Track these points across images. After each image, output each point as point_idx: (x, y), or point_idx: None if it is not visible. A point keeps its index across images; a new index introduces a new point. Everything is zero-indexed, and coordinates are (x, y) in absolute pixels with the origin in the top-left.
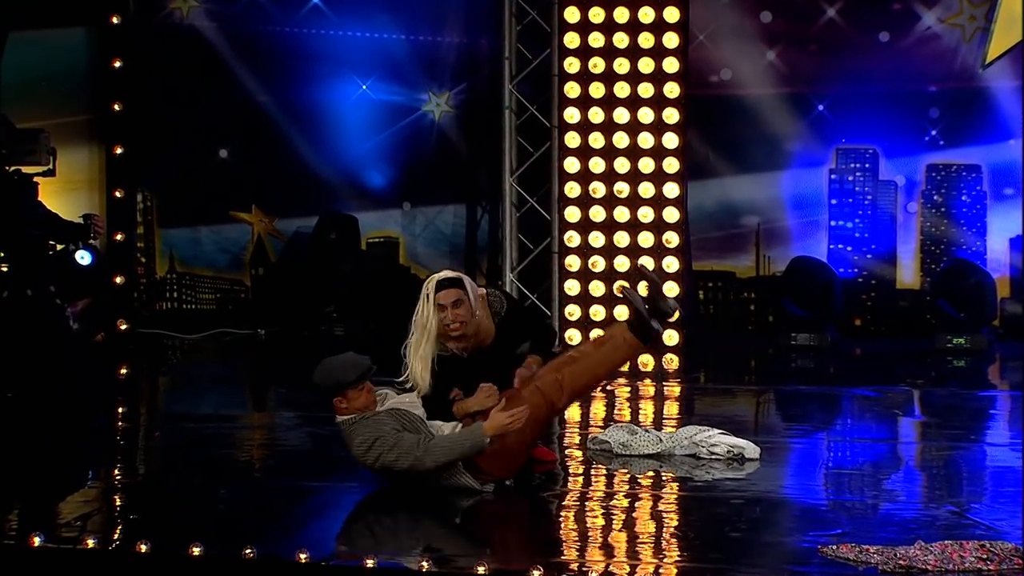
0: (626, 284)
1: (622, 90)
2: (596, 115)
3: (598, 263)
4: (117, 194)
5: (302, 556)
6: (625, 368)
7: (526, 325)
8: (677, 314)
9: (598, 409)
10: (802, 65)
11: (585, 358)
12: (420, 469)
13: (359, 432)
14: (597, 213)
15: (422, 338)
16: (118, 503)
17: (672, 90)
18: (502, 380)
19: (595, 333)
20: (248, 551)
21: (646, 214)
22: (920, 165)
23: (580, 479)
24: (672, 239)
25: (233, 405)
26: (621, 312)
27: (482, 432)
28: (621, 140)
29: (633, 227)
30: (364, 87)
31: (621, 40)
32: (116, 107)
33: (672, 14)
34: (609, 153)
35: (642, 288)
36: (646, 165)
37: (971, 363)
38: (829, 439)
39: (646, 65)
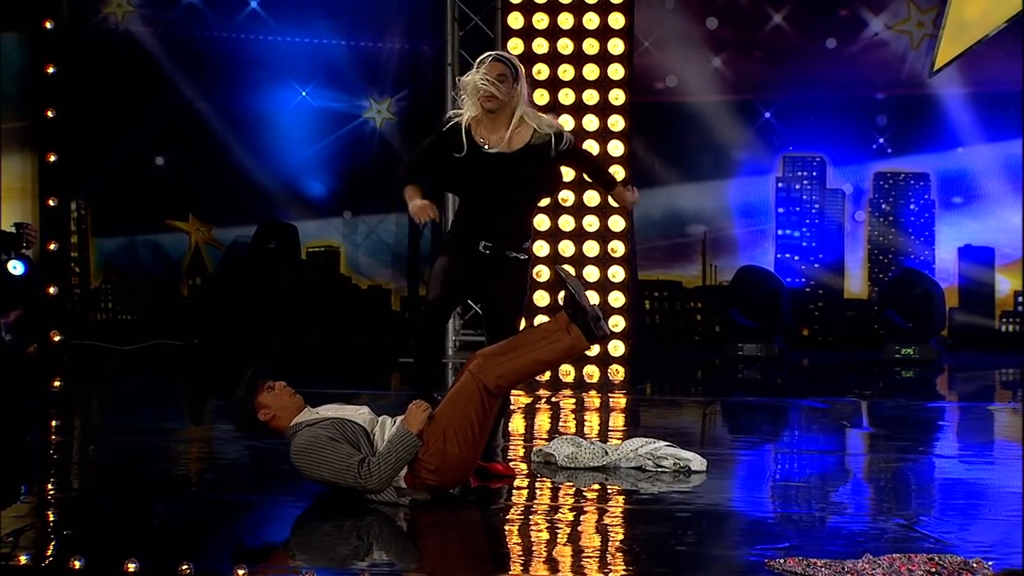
0: (568, 274)
1: (567, 97)
2: None
3: (542, 272)
4: (50, 203)
5: (240, 572)
6: (570, 379)
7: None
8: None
9: (543, 421)
10: (748, 72)
11: (525, 346)
12: (368, 488)
13: (298, 440)
14: (541, 222)
15: (466, 100)
16: (51, 518)
17: (617, 97)
18: (510, 184)
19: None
20: (185, 567)
21: (591, 223)
22: (868, 173)
23: (525, 492)
24: (618, 248)
25: (169, 418)
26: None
27: (407, 431)
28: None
29: (578, 236)
30: (304, 94)
31: (565, 46)
32: (49, 114)
33: (617, 20)
34: None
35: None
36: None
37: (919, 374)
38: (776, 451)
39: (591, 72)
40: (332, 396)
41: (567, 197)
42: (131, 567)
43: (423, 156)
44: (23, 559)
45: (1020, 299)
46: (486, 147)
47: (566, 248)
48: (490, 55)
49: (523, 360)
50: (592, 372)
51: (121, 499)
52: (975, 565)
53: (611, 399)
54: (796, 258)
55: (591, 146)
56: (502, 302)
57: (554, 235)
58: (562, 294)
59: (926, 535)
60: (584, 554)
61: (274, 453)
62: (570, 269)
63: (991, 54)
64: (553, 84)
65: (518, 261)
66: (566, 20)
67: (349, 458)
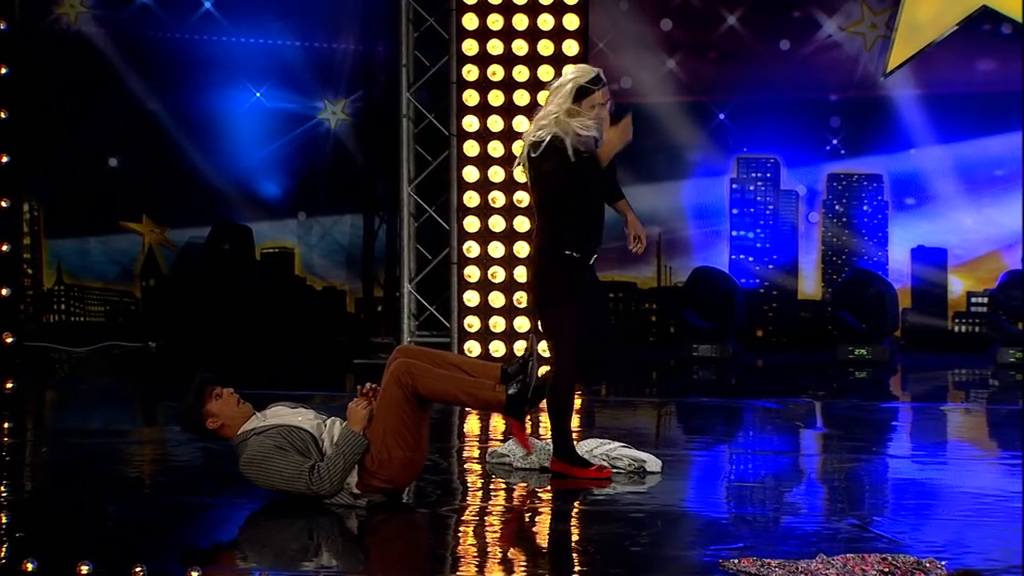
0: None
1: (521, 98)
2: (495, 123)
3: (497, 274)
4: (3, 204)
5: (193, 573)
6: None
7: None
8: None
9: (498, 422)
10: (702, 73)
11: (457, 379)
12: (322, 493)
13: (246, 450)
14: (496, 223)
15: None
16: (4, 520)
17: None
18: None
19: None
20: (138, 569)
21: None
22: (821, 175)
23: (479, 493)
24: None
25: (123, 420)
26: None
27: (351, 431)
28: (520, 149)
29: (533, 237)
30: (258, 95)
31: (520, 47)
32: (2, 114)
33: (572, 21)
34: (509, 162)
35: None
36: None
37: (873, 374)
38: (731, 452)
39: (546, 73)
40: (286, 398)
41: (522, 199)
42: (84, 569)
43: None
44: None
45: (972, 300)
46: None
47: (521, 249)
48: (600, 76)
49: (451, 387)
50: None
51: (74, 501)
52: (928, 565)
53: None
54: (750, 259)
55: None
56: (598, 309)
57: (509, 236)
58: (522, 351)
59: (879, 535)
60: (538, 555)
61: (226, 455)
62: (525, 271)
63: (944, 56)
64: (508, 85)
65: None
66: (521, 21)
67: (299, 466)
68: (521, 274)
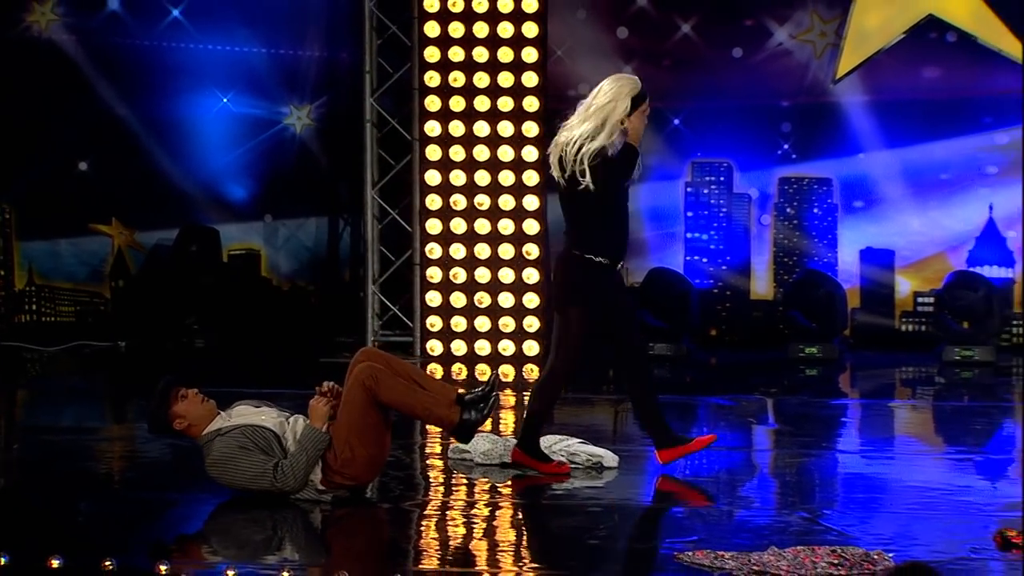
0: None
1: (482, 104)
2: (457, 128)
3: (459, 275)
4: None
5: (161, 568)
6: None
7: None
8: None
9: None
10: (657, 80)
11: (420, 392)
12: (287, 490)
13: (211, 451)
14: (458, 225)
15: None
16: None
17: (531, 104)
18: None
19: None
20: (107, 562)
21: (507, 226)
22: (773, 178)
23: (441, 488)
24: (532, 251)
25: (93, 418)
26: (483, 322)
27: (313, 428)
28: (481, 153)
29: (494, 239)
30: (225, 100)
31: (481, 54)
32: None
33: (531, 29)
34: (470, 166)
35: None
36: (506, 178)
37: (823, 372)
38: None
39: (506, 79)
40: (253, 396)
41: (483, 202)
42: (55, 563)
43: None
44: None
45: (919, 300)
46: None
47: (482, 251)
48: (639, 86)
49: (409, 400)
50: (508, 371)
51: (45, 497)
52: (876, 557)
53: (526, 397)
54: (704, 260)
55: (506, 152)
56: (629, 313)
57: (470, 238)
58: (489, 377)
59: (829, 528)
60: (499, 548)
61: (193, 452)
62: (486, 272)
63: (891, 63)
64: (469, 91)
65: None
66: (481, 29)
67: (263, 465)
68: (483, 275)
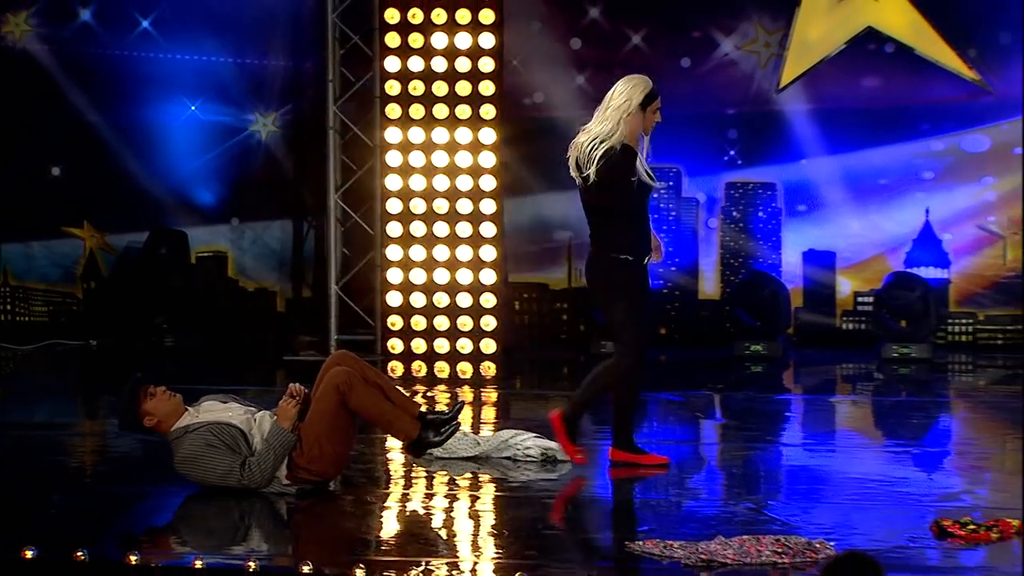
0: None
1: (441, 112)
2: (416, 135)
3: (419, 276)
4: None
5: (132, 558)
6: (445, 375)
7: None
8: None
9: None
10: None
11: (389, 405)
12: (253, 486)
13: (180, 448)
14: (418, 228)
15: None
16: None
17: (488, 112)
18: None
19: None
20: (79, 553)
21: (464, 229)
22: (720, 183)
23: (401, 481)
24: (489, 253)
25: (65, 414)
26: (441, 322)
27: (281, 428)
28: (440, 159)
29: (452, 242)
30: (193, 108)
31: (439, 64)
32: None
33: (487, 40)
34: (429, 171)
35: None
36: (464, 183)
37: (767, 369)
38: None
39: (463, 88)
40: (220, 391)
41: (441, 206)
42: (28, 554)
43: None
44: None
45: (859, 299)
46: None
47: (441, 253)
48: (651, 86)
49: (375, 411)
50: (466, 368)
51: (18, 490)
52: (818, 545)
53: (483, 393)
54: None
55: (464, 158)
56: (649, 311)
57: (429, 240)
58: (455, 405)
59: (773, 518)
60: (457, 538)
61: (162, 446)
62: (445, 274)
63: (832, 73)
64: (428, 99)
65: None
66: (440, 40)
67: (231, 462)
68: (442, 276)
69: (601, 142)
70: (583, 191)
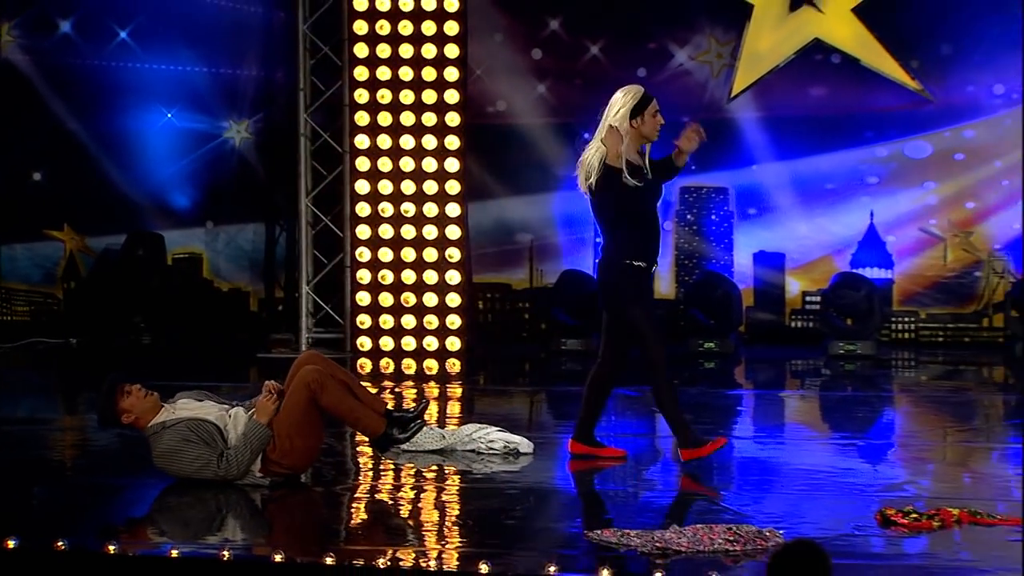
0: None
1: (408, 119)
2: (384, 142)
3: (387, 276)
4: None
5: (110, 548)
6: (412, 371)
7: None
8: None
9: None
10: (569, 97)
11: (358, 401)
12: (229, 478)
13: (157, 443)
14: (385, 231)
15: (629, 136)
16: None
17: (453, 119)
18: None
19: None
20: (60, 543)
21: (430, 232)
22: (675, 187)
23: (370, 473)
24: (454, 254)
25: (46, 409)
26: (408, 320)
27: (258, 424)
28: (407, 164)
29: (419, 244)
30: (169, 115)
31: (406, 74)
32: None
33: (452, 51)
34: (396, 176)
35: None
36: (430, 187)
37: (720, 365)
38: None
39: (429, 96)
40: (196, 388)
41: (408, 209)
42: (10, 544)
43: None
44: None
45: (807, 299)
46: (647, 174)
47: (408, 254)
48: (641, 92)
49: (343, 409)
50: (431, 365)
51: (0, 483)
52: (768, 534)
53: (448, 389)
54: None
55: (430, 163)
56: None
57: (397, 243)
58: (420, 404)
59: (725, 508)
60: (423, 528)
61: (140, 440)
62: (411, 274)
63: (781, 82)
64: (395, 107)
65: None
66: (407, 51)
67: (207, 456)
68: (408, 277)
69: (595, 153)
70: (590, 203)
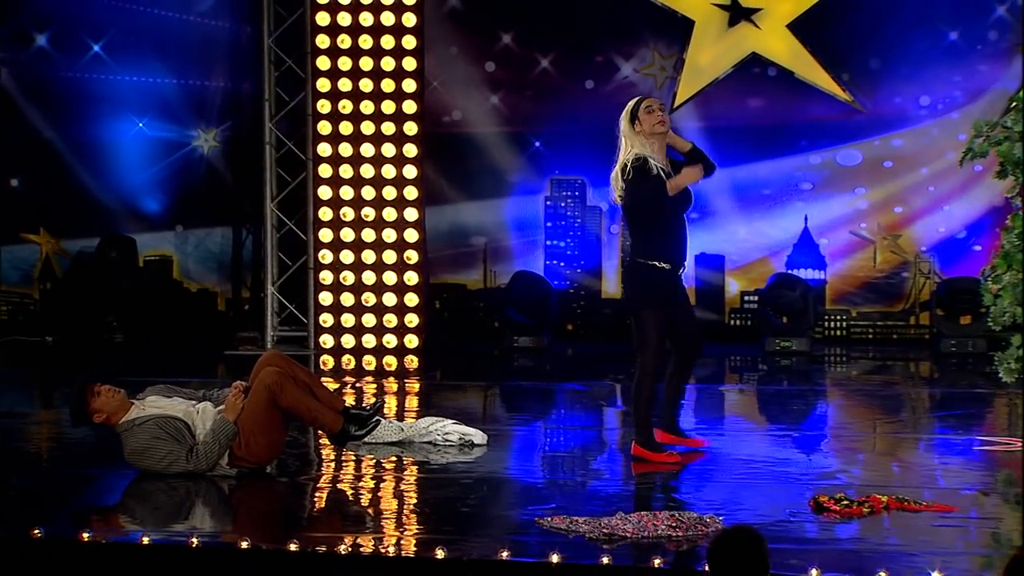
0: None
1: (368, 128)
2: (345, 149)
3: (348, 277)
4: None
5: (84, 535)
6: (372, 367)
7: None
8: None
9: (348, 403)
10: (521, 108)
11: (316, 400)
12: (199, 471)
13: (128, 441)
14: (347, 234)
15: (636, 141)
16: None
17: (411, 128)
18: (684, 204)
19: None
20: (36, 531)
21: (389, 235)
22: None
23: (332, 464)
24: (412, 256)
25: (23, 404)
26: (369, 319)
27: (226, 421)
28: (367, 171)
29: (378, 246)
30: (140, 125)
31: (366, 85)
32: None
33: (410, 63)
34: (357, 183)
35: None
36: (389, 193)
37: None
38: (545, 427)
39: (388, 107)
40: (163, 383)
41: (368, 214)
42: None
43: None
44: None
45: (745, 298)
46: (664, 173)
47: (368, 257)
48: (640, 97)
49: (302, 409)
50: (391, 361)
51: None
52: (708, 520)
53: (407, 384)
54: (562, 264)
55: (389, 170)
56: (690, 310)
57: (358, 245)
58: (375, 403)
59: (668, 496)
60: (383, 516)
61: (112, 434)
62: (372, 275)
63: (721, 94)
64: (356, 117)
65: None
66: (367, 63)
67: (176, 452)
68: (369, 278)
69: (617, 166)
70: (621, 215)
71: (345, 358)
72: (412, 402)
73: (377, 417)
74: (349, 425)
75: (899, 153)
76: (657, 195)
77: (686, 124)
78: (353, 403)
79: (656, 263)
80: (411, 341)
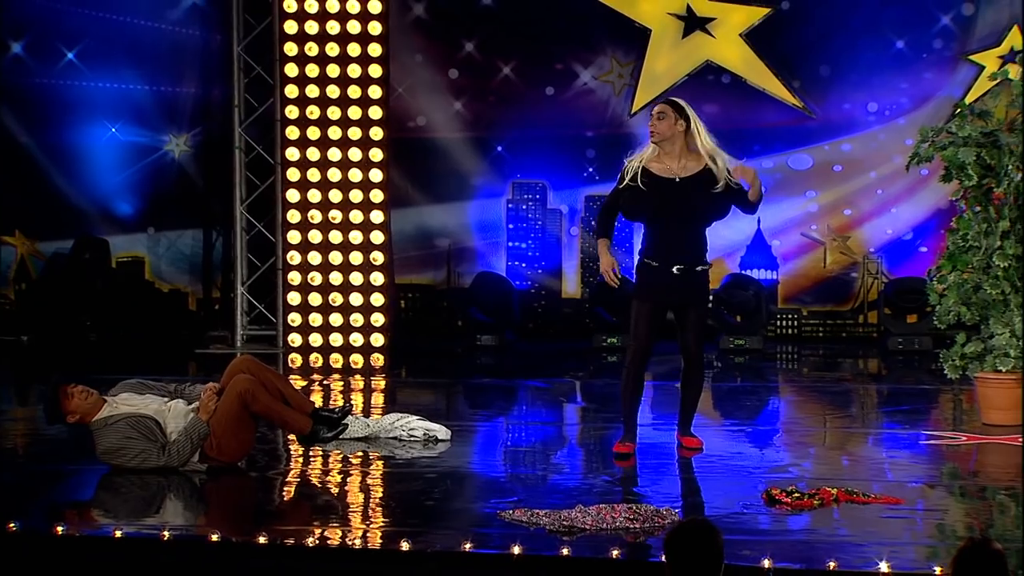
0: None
1: (335, 133)
2: (313, 154)
3: (316, 278)
4: None
5: (58, 529)
6: (339, 365)
7: (738, 197)
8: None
9: (316, 400)
10: (483, 113)
11: (285, 405)
12: (171, 467)
13: (101, 439)
14: (315, 236)
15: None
16: None
17: (377, 133)
18: (682, 205)
19: (317, 356)
20: (12, 525)
21: (356, 237)
22: (580, 196)
23: (300, 459)
24: (378, 257)
25: None
26: (336, 319)
27: (199, 420)
28: (334, 175)
29: (345, 248)
30: (113, 130)
31: (333, 91)
32: None
33: (375, 70)
34: (324, 186)
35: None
36: (356, 196)
37: (622, 359)
38: (508, 422)
39: (355, 113)
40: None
41: (336, 216)
42: None
43: (609, 206)
44: None
45: None
46: (662, 175)
47: (336, 257)
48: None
49: (273, 414)
50: (357, 359)
51: None
52: (665, 512)
53: (373, 381)
54: (523, 265)
55: (355, 174)
56: (699, 309)
57: (325, 247)
58: (343, 405)
59: (627, 489)
60: (350, 509)
61: (86, 431)
62: (339, 276)
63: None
64: (323, 123)
65: (704, 272)
66: (334, 70)
67: (148, 449)
68: (336, 278)
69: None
70: None
71: (312, 356)
72: (378, 399)
73: (346, 421)
74: (319, 427)
75: (848, 157)
76: (616, 198)
77: (644, 130)
78: (321, 402)
79: (646, 260)
80: (377, 340)
